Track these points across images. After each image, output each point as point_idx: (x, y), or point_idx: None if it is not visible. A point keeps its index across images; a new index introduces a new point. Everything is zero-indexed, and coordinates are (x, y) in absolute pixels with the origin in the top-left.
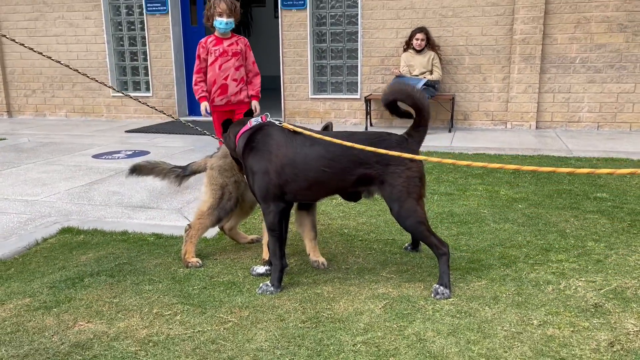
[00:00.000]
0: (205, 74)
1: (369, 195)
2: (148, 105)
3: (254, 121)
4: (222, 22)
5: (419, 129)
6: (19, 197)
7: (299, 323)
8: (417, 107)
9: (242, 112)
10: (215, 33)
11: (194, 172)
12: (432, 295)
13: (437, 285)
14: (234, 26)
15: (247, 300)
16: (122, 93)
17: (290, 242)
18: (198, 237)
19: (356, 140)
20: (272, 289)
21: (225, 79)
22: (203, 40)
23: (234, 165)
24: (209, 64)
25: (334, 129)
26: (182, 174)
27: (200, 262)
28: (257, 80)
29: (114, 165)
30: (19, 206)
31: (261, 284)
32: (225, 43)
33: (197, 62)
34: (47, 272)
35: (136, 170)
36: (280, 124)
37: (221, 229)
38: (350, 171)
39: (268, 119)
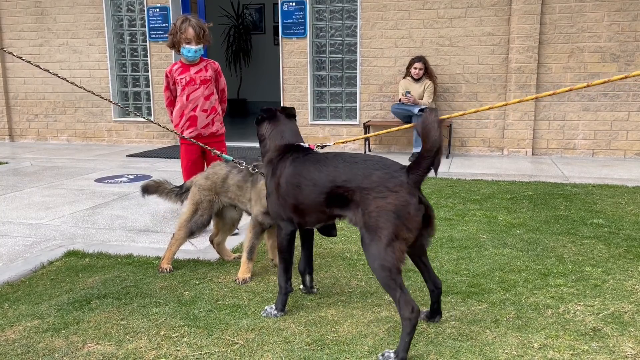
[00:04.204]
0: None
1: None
2: (154, 122)
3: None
4: (190, 50)
5: (421, 164)
6: (23, 221)
7: (304, 345)
8: (423, 139)
9: (215, 145)
10: (182, 59)
11: (189, 189)
12: (379, 357)
13: (389, 352)
14: (203, 53)
15: (252, 323)
16: (130, 111)
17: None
18: (177, 246)
19: (335, 161)
20: (275, 312)
21: (194, 110)
22: (168, 69)
23: (213, 186)
24: (177, 94)
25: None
26: (180, 192)
27: (170, 268)
28: (222, 107)
29: (117, 189)
30: (24, 230)
31: (266, 307)
32: (192, 70)
33: (166, 94)
34: (54, 294)
35: (146, 190)
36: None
37: (211, 242)
38: (320, 189)
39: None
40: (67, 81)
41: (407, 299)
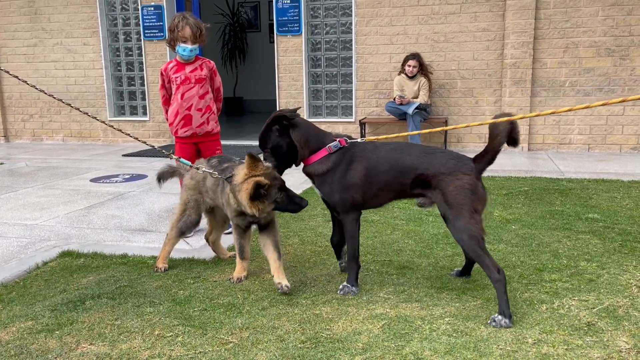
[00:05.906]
0: None
1: (428, 204)
2: (130, 136)
3: (333, 146)
4: (186, 49)
5: (484, 157)
6: (18, 222)
7: (298, 343)
8: (491, 134)
9: (210, 144)
10: (177, 58)
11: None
12: (489, 322)
13: (496, 315)
14: (198, 52)
15: (247, 322)
16: (107, 124)
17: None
18: (171, 246)
19: (415, 151)
20: (354, 289)
21: (189, 109)
22: (163, 67)
23: (197, 185)
24: (172, 93)
25: None
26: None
27: (165, 267)
28: (217, 106)
29: (112, 189)
30: (19, 230)
31: (341, 285)
32: (188, 69)
33: (161, 92)
34: (48, 295)
35: (161, 178)
36: (362, 140)
37: (207, 240)
38: (407, 174)
39: (348, 142)
40: (45, 93)
41: (493, 263)
